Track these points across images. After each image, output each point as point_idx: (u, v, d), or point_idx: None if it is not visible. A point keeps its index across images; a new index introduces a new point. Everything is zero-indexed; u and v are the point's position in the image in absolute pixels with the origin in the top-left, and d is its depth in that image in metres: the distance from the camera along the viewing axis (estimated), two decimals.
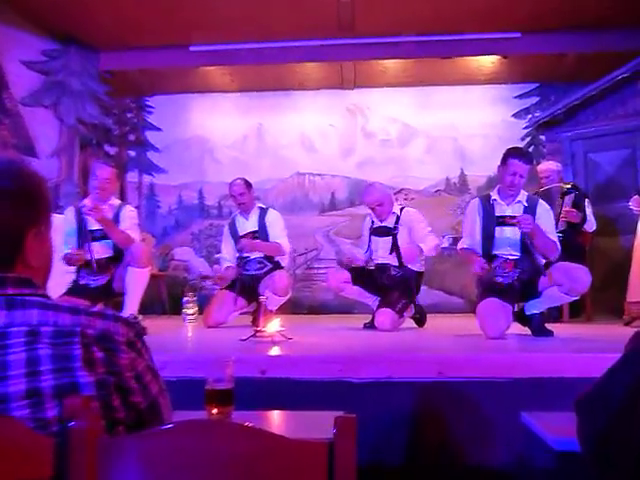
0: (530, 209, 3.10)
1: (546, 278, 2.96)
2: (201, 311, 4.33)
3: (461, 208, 5.89)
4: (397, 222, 3.77)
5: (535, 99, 6.07)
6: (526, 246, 3.03)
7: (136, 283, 3.52)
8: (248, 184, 4.09)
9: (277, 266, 4.05)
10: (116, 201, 3.75)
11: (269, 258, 4.04)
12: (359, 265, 3.81)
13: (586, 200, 4.36)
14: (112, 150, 6.26)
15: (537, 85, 6.06)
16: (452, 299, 5.83)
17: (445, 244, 5.70)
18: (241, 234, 4.08)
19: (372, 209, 3.81)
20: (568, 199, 4.33)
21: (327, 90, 6.21)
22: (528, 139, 6.01)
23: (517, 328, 3.14)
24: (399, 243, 3.72)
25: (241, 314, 4.08)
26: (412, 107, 6.15)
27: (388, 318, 3.52)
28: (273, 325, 2.80)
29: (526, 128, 5.95)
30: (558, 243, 3.05)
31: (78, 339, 0.92)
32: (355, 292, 3.80)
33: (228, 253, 4.17)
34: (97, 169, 3.66)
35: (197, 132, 6.32)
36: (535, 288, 3.01)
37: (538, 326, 3.07)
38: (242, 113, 6.27)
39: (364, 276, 3.77)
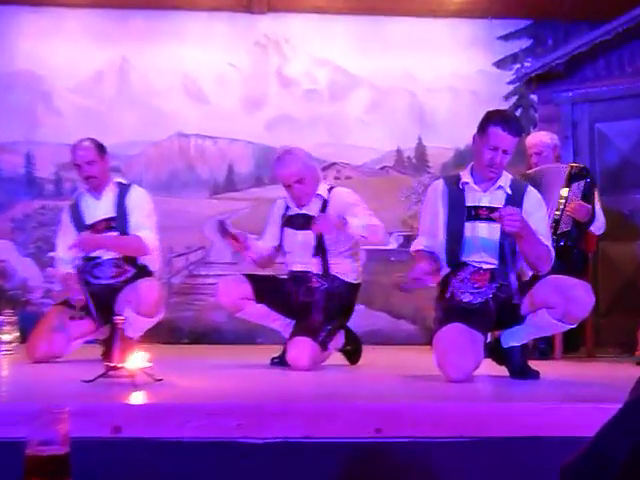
0: (515, 198, 3.22)
1: (531, 297, 3.09)
2: (24, 338, 4.21)
3: (417, 194, 6.07)
4: (324, 208, 3.82)
5: (526, 42, 6.32)
6: (507, 251, 3.15)
7: None
8: (101, 148, 4.07)
9: (143, 272, 4.04)
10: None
11: (130, 260, 4.02)
12: (254, 260, 3.84)
13: (595, 191, 4.46)
14: None
15: (529, 22, 6.32)
16: (400, 324, 6.00)
17: (393, 245, 5.85)
18: (89, 222, 4.05)
19: (287, 187, 3.83)
20: (577, 187, 4.40)
21: (227, 13, 6.17)
22: (514, 99, 6.28)
23: (490, 366, 3.25)
24: (326, 239, 3.77)
25: (86, 343, 4.05)
26: (351, 45, 6.23)
27: (306, 351, 3.56)
28: (135, 360, 2.76)
29: (512, 83, 6.20)
30: (552, 249, 3.19)
31: None
32: (259, 313, 3.83)
33: (68, 251, 4.11)
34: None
35: (25, 65, 6.14)
36: (516, 311, 3.12)
37: (519, 364, 3.20)
38: (96, 40, 6.15)
39: (272, 289, 3.80)
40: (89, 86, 6.24)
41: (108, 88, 6.24)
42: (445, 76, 6.23)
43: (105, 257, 3.98)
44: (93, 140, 4.07)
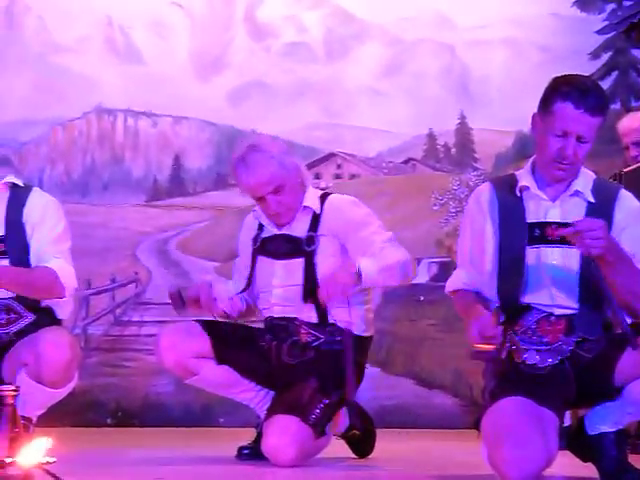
0: (601, 208, 3.22)
1: (634, 356, 3.09)
2: None
3: (458, 200, 6.09)
4: (315, 226, 3.86)
5: None
6: (592, 287, 3.18)
7: None
8: None
9: (46, 319, 4.04)
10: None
11: (28, 301, 4.02)
12: (231, 318, 3.89)
13: None
14: None
15: None
16: (432, 397, 6.01)
17: (422, 278, 5.84)
18: None
19: (259, 200, 3.87)
20: None
21: None
22: (606, 57, 6.31)
23: (569, 463, 3.26)
24: (320, 272, 3.79)
25: None
26: None
27: (291, 438, 3.56)
28: (31, 453, 2.75)
29: (604, 32, 6.26)
30: None
31: None
32: (221, 379, 3.86)
33: None
34: None
35: None
36: (609, 378, 3.14)
37: (614, 461, 3.19)
38: None
39: (241, 344, 3.83)
40: None
41: None
42: (499, 21, 6.28)
43: None
44: None
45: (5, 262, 4.00)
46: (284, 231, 3.89)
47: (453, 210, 6.06)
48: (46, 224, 4.05)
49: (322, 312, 3.81)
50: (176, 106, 6.27)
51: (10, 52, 6.24)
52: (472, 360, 3.24)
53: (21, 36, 6.27)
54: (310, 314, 3.82)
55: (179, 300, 3.87)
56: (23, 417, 3.35)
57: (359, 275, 3.66)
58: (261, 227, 3.97)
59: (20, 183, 4.20)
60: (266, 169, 3.78)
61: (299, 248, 3.83)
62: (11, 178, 4.20)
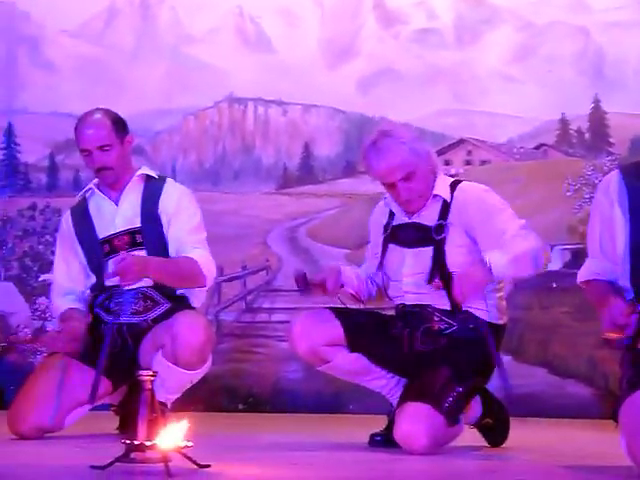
0: None
1: None
2: (4, 401, 4.33)
3: (592, 185, 5.97)
4: (445, 215, 3.83)
5: None
6: None
7: None
8: (119, 124, 4.20)
9: (182, 305, 4.14)
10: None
11: (164, 290, 4.13)
12: (360, 303, 3.89)
13: None
14: None
15: None
16: (566, 386, 5.92)
17: (555, 264, 5.76)
18: (103, 236, 4.19)
19: (389, 187, 3.85)
20: None
21: None
22: None
23: None
24: (449, 261, 3.77)
25: (94, 410, 4.14)
26: None
27: (424, 426, 3.55)
28: (169, 436, 2.81)
29: None
30: None
31: None
32: (353, 366, 3.87)
33: (69, 275, 4.25)
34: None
35: None
36: None
37: None
38: None
39: (374, 332, 3.84)
40: (97, 29, 6.43)
41: (125, 32, 6.41)
42: (635, 2, 6.15)
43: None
44: (107, 112, 4.18)
45: (142, 254, 4.11)
46: (414, 219, 3.87)
47: (587, 196, 5.94)
48: (182, 215, 4.15)
49: (453, 299, 3.77)
50: (306, 94, 6.29)
51: (144, 44, 6.35)
52: (611, 347, 3.19)
53: (155, 28, 6.38)
54: (443, 301, 3.79)
55: (304, 283, 3.89)
56: (159, 402, 3.42)
57: (490, 270, 3.62)
58: (392, 215, 3.96)
59: (154, 175, 4.28)
60: (397, 155, 3.76)
61: (428, 236, 3.80)
62: (145, 170, 4.29)
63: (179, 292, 4.16)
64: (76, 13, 6.35)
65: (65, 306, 4.23)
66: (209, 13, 6.36)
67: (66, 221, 4.33)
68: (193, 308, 4.19)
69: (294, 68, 6.27)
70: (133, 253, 4.05)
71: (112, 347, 4.03)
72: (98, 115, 4.15)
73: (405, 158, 3.75)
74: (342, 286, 3.90)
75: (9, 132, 6.32)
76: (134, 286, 4.04)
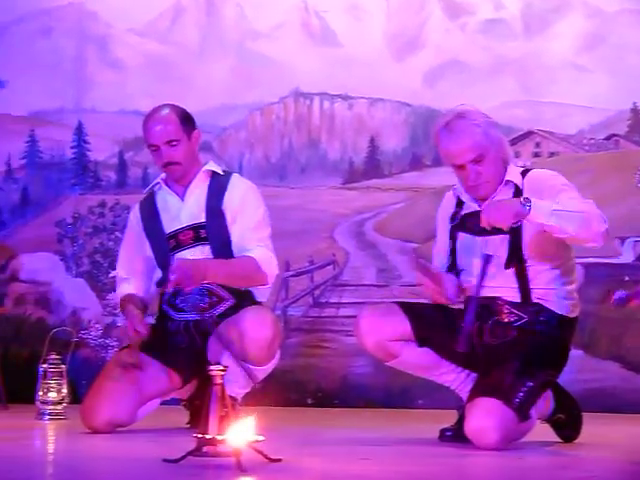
0: None
1: None
2: (77, 395, 4.38)
3: None
4: None
5: None
6: None
7: None
8: (187, 120, 4.23)
9: (247, 300, 4.16)
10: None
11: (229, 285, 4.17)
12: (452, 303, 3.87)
13: None
14: None
15: None
16: None
17: (627, 257, 5.68)
18: (169, 231, 4.22)
19: (459, 169, 3.80)
20: None
21: None
22: None
23: None
24: (524, 249, 3.72)
25: (164, 404, 4.21)
26: None
27: (495, 420, 3.52)
28: (240, 431, 2.82)
29: None
30: None
31: None
32: (422, 361, 3.86)
33: (131, 267, 4.33)
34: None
35: None
36: None
37: None
38: None
39: (442, 325, 3.82)
40: (163, 27, 6.48)
41: (190, 29, 6.46)
42: None
43: None
44: (175, 108, 4.21)
45: (206, 249, 4.14)
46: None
47: None
48: (247, 211, 4.16)
49: (524, 289, 3.74)
50: (372, 88, 6.28)
51: (210, 40, 6.39)
52: None
53: (220, 24, 6.41)
54: (513, 293, 3.75)
55: (425, 268, 3.83)
56: (229, 396, 3.44)
57: (529, 206, 3.47)
58: (460, 204, 3.92)
59: (219, 171, 4.30)
60: (469, 136, 3.72)
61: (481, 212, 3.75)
62: (211, 165, 4.31)
63: (244, 288, 4.18)
64: (143, 12, 6.40)
65: (124, 292, 4.28)
66: (274, 8, 6.37)
67: (134, 215, 4.37)
68: (259, 303, 4.20)
69: (360, 62, 6.26)
70: (195, 249, 4.12)
71: (179, 343, 4.08)
72: (166, 111, 4.18)
73: (477, 140, 3.71)
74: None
75: (79, 131, 6.39)
76: None
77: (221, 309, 4.13)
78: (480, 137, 3.73)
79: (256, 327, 3.94)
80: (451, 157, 3.78)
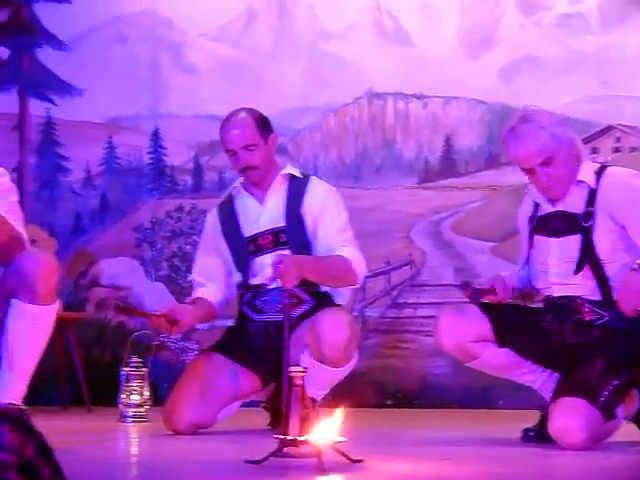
0: None
1: None
2: (159, 400, 4.43)
3: None
4: (591, 201, 3.74)
5: None
6: None
7: (30, 336, 3.63)
8: (264, 124, 4.25)
9: (326, 302, 4.17)
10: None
11: (309, 286, 4.16)
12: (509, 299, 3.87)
13: None
14: None
15: None
16: None
17: None
18: (248, 235, 4.25)
19: (529, 173, 3.79)
20: None
21: None
22: None
23: None
24: (598, 249, 3.69)
25: (244, 406, 4.24)
26: None
27: (580, 420, 3.49)
28: (322, 432, 2.83)
29: None
30: None
31: None
32: (502, 361, 3.84)
33: (207, 270, 4.37)
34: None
35: (145, 5, 6.52)
36: None
37: None
38: None
39: (522, 325, 3.80)
40: (236, 31, 6.52)
41: (263, 32, 6.48)
42: None
43: (272, 284, 4.13)
44: (252, 112, 4.24)
45: (286, 253, 4.14)
46: (559, 207, 3.79)
47: None
48: (328, 215, 4.18)
49: (604, 287, 3.69)
50: (446, 86, 6.25)
51: (283, 42, 6.40)
52: None
53: (292, 27, 6.42)
54: (592, 290, 3.72)
55: (472, 293, 3.86)
56: (311, 398, 3.45)
57: None
58: (537, 206, 3.89)
59: (298, 174, 4.31)
60: (535, 140, 3.69)
61: (576, 224, 3.73)
62: (289, 169, 4.32)
63: (323, 289, 4.18)
64: (215, 17, 6.44)
65: (195, 296, 4.32)
66: (346, 9, 6.37)
67: (213, 217, 4.41)
68: (337, 305, 4.21)
69: (433, 61, 6.23)
70: (279, 252, 4.11)
71: (258, 345, 4.10)
72: (243, 115, 4.20)
73: (543, 143, 3.68)
74: (513, 290, 3.89)
75: (155, 136, 6.45)
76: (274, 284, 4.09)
77: (300, 310, 4.15)
78: (546, 139, 3.70)
79: (333, 329, 3.95)
80: (519, 162, 3.77)
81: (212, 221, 4.40)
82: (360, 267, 4.16)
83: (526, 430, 3.80)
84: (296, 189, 4.24)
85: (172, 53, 6.54)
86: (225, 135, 4.18)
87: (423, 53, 6.29)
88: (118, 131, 6.52)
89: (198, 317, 4.29)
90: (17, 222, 3.70)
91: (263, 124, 4.22)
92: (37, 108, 6.51)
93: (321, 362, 3.94)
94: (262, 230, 4.21)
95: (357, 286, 4.28)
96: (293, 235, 4.19)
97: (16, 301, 3.55)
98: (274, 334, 4.11)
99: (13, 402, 3.57)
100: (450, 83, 6.23)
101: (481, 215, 6.24)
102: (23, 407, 3.60)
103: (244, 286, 4.24)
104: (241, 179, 4.30)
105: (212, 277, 4.34)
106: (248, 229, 4.23)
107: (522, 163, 3.75)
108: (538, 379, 3.85)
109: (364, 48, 6.35)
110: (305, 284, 4.12)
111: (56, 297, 3.68)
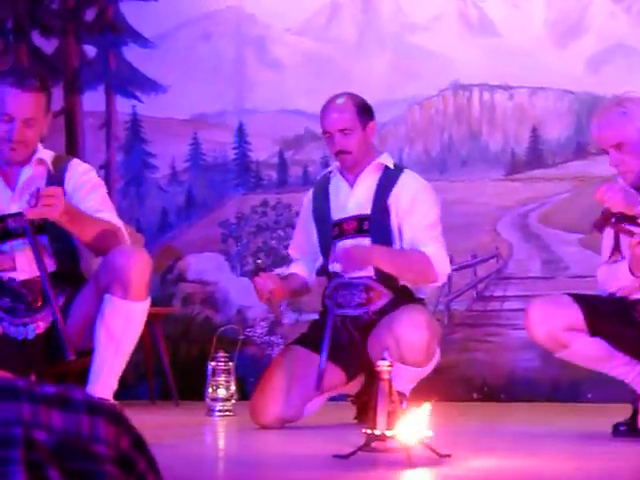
0: None
1: None
2: (246, 394, 4.48)
3: None
4: None
5: None
6: None
7: (123, 332, 3.68)
8: (365, 110, 4.33)
9: (405, 296, 4.16)
10: (45, 152, 3.92)
11: (386, 280, 4.14)
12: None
13: None
14: (48, 44, 6.60)
15: None
16: None
17: None
18: (336, 218, 4.28)
19: (605, 152, 3.76)
20: None
21: None
22: None
23: None
24: None
25: (331, 399, 4.28)
26: None
27: None
28: (409, 426, 2.83)
29: None
30: None
31: (19, 453, 0.99)
32: (593, 352, 3.81)
33: (301, 248, 4.48)
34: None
35: (229, 2, 6.57)
36: None
37: None
38: None
39: (614, 315, 3.76)
40: (320, 25, 6.52)
41: (347, 25, 6.48)
42: None
43: (352, 275, 4.16)
44: (353, 97, 4.32)
45: (366, 241, 4.17)
46: None
47: None
48: (418, 210, 4.19)
49: None
50: (532, 77, 6.18)
51: (368, 35, 6.39)
52: None
53: (378, 19, 6.41)
54: None
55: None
56: (397, 392, 3.46)
57: None
58: None
59: (391, 165, 4.33)
60: (610, 123, 3.71)
61: None
62: (384, 159, 4.35)
63: (401, 283, 4.18)
64: (299, 11, 6.46)
65: (288, 272, 4.44)
66: (431, 0, 6.34)
67: (308, 198, 4.49)
68: (416, 299, 4.20)
69: (519, 51, 6.16)
70: (356, 240, 4.17)
71: (338, 339, 4.12)
72: (344, 99, 4.29)
73: (617, 127, 3.69)
74: None
75: (240, 131, 6.50)
76: (356, 275, 4.12)
77: (378, 305, 4.16)
78: (621, 124, 3.69)
79: (411, 331, 3.95)
80: (594, 141, 3.81)
81: (307, 201, 4.49)
82: (441, 266, 4.15)
83: (617, 424, 3.76)
84: (387, 179, 4.26)
85: (256, 48, 6.58)
86: (324, 117, 4.25)
87: (509, 43, 6.23)
88: (203, 127, 6.58)
89: (289, 291, 4.34)
90: (110, 213, 3.77)
91: (363, 110, 4.28)
92: (124, 106, 6.59)
93: (402, 363, 3.94)
94: (348, 215, 4.24)
95: (438, 284, 4.26)
96: (376, 224, 4.20)
97: (109, 296, 3.60)
98: (352, 328, 4.13)
99: (103, 398, 3.62)
100: (537, 73, 6.16)
101: (569, 206, 6.16)
102: (113, 402, 3.65)
103: (323, 271, 4.29)
104: (337, 162, 4.34)
105: (305, 253, 4.41)
106: (337, 212, 4.28)
107: (597, 142, 3.81)
108: (630, 372, 3.79)
109: (449, 39, 6.31)
110: (384, 277, 4.13)
111: (149, 293, 3.74)
